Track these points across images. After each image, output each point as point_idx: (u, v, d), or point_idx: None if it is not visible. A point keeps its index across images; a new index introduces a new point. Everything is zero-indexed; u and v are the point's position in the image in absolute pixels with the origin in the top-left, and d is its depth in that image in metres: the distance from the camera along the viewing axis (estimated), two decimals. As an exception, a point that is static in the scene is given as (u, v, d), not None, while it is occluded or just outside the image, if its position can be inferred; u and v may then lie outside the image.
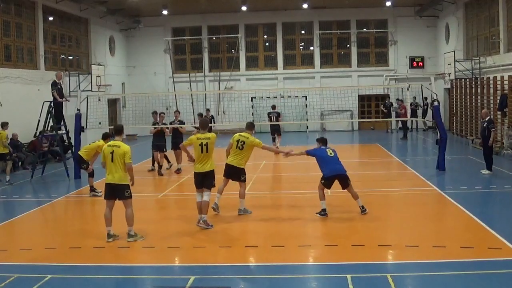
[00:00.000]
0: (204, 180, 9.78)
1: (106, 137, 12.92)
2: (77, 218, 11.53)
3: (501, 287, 6.66)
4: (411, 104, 25.71)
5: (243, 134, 10.74)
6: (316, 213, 10.38)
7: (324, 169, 10.37)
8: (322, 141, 10.79)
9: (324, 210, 10.29)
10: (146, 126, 16.99)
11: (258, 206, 11.91)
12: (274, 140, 21.98)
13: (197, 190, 9.94)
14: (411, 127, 28.96)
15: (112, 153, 8.91)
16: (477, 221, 9.65)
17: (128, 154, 8.88)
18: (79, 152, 13.61)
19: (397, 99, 27.30)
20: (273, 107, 22.69)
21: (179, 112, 17.86)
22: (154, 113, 17.53)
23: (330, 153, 10.44)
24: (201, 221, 9.70)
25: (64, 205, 12.97)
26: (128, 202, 9.03)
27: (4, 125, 15.95)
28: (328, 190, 10.57)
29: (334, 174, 10.23)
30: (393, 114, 27.71)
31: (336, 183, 10.40)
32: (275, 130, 21.87)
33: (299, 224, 10.10)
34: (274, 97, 29.36)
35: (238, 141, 10.63)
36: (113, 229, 9.08)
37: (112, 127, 12.37)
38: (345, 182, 10.33)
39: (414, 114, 25.71)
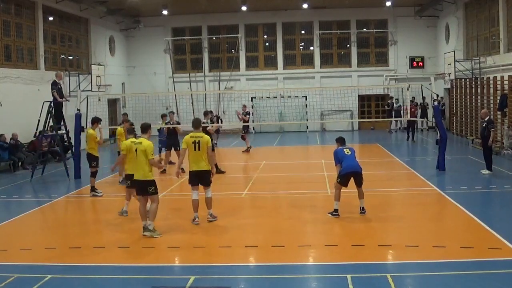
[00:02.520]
0: (201, 179, 9.99)
1: (94, 121, 13.63)
2: (77, 218, 11.51)
3: (501, 287, 6.66)
4: (415, 104, 25.78)
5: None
6: (328, 213, 10.40)
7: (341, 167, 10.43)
8: (340, 141, 10.88)
9: (336, 210, 10.30)
10: (168, 126, 17.00)
11: (258, 206, 11.93)
12: (244, 138, 21.79)
13: (192, 188, 10.11)
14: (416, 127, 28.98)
15: (136, 150, 9.17)
16: (477, 221, 9.65)
17: (149, 150, 9.14)
18: (88, 152, 13.42)
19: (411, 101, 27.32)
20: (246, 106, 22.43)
21: (174, 113, 17.90)
22: (171, 113, 17.86)
23: (347, 152, 10.48)
24: (208, 216, 10.12)
25: (64, 205, 12.96)
26: (153, 198, 9.26)
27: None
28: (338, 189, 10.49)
29: (348, 171, 10.23)
30: (395, 113, 27.76)
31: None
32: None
33: (299, 224, 10.11)
34: (274, 97, 29.39)
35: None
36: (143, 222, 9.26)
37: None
38: (359, 181, 10.35)
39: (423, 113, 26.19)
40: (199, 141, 9.83)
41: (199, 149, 9.83)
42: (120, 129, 15.10)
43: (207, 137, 10.02)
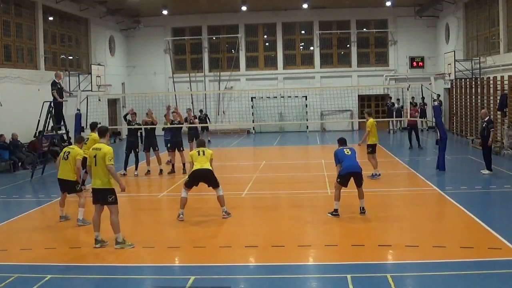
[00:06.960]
0: (207, 181, 10.41)
1: (93, 127, 12.87)
2: (77, 218, 11.49)
3: (501, 287, 6.66)
4: (414, 105, 25.78)
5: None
6: (328, 213, 10.40)
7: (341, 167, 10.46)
8: (341, 142, 10.93)
9: (336, 210, 10.31)
10: (145, 126, 16.88)
11: (258, 206, 11.93)
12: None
13: (185, 189, 10.41)
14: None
15: (95, 156, 8.63)
16: (477, 221, 9.65)
17: (108, 156, 8.49)
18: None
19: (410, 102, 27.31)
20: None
21: (152, 113, 17.30)
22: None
23: (347, 152, 10.51)
24: (223, 213, 10.45)
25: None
26: (112, 208, 8.64)
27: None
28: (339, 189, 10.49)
29: (348, 171, 10.25)
30: (395, 114, 27.80)
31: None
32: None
33: (299, 224, 10.10)
34: (274, 97, 29.39)
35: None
36: (104, 234, 8.92)
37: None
38: (359, 181, 10.36)
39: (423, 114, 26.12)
40: (204, 150, 10.54)
41: (203, 154, 10.45)
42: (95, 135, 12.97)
43: (211, 153, 10.67)
